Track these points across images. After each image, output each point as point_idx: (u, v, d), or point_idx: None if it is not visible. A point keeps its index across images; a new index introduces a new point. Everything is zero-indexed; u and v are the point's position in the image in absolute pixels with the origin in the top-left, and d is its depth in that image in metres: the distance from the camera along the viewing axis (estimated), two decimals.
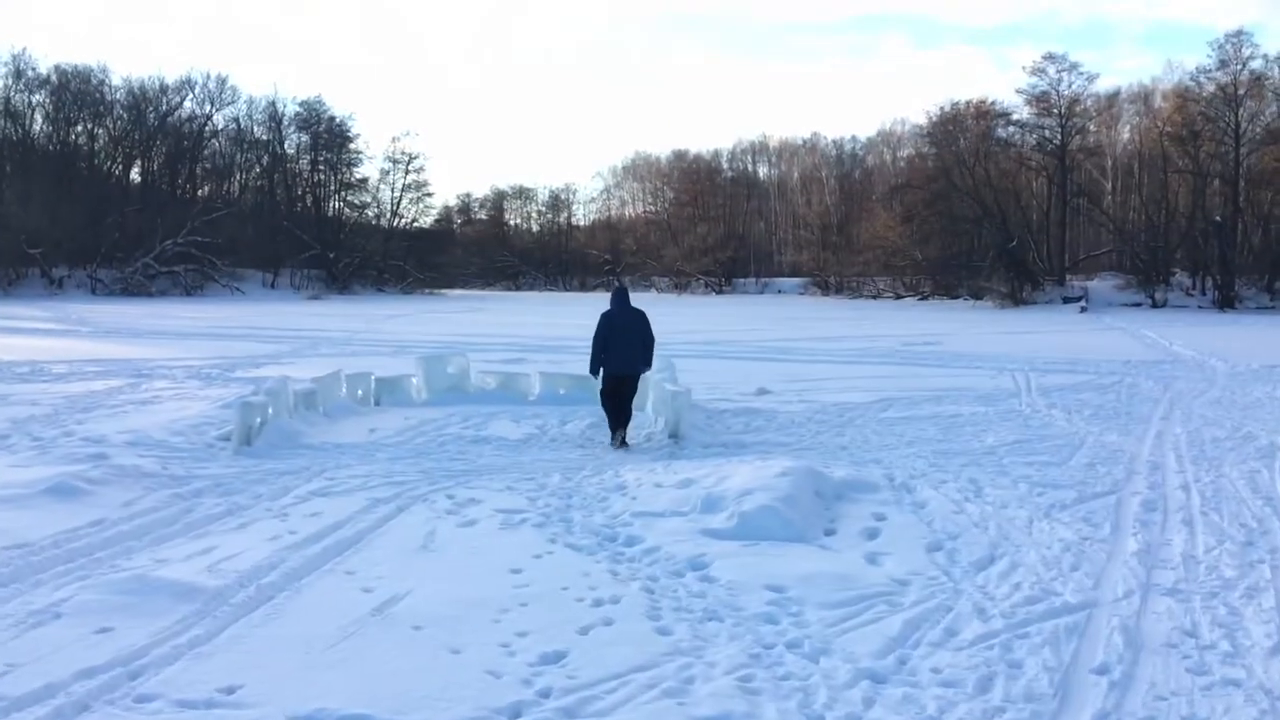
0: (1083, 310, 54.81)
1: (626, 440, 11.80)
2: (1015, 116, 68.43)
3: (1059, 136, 65.94)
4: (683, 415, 11.28)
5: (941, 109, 72.13)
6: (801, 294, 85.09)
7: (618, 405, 11.77)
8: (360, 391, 13.89)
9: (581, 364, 12.18)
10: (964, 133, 69.39)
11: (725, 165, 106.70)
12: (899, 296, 73.68)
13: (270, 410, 10.88)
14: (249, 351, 23.80)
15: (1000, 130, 70.05)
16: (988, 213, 64.56)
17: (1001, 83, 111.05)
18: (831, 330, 35.09)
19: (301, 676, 4.46)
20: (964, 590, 5.91)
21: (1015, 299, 60.80)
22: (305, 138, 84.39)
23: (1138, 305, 57.43)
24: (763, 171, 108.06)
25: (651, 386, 12.95)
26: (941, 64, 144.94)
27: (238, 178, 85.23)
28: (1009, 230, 63.54)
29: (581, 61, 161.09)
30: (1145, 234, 64.03)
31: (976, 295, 64.67)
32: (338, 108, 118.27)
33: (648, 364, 11.86)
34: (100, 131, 76.53)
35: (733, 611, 5.47)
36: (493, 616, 5.27)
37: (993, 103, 70.24)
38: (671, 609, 5.49)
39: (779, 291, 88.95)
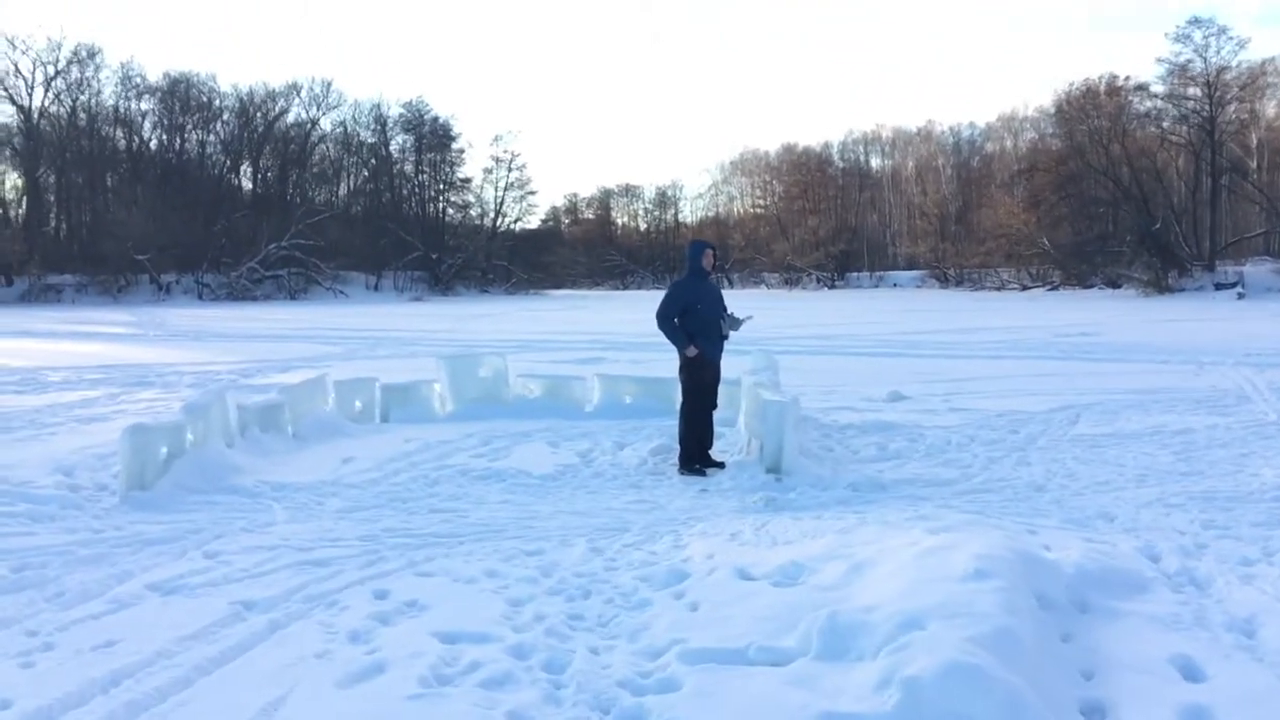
0: (1240, 297, 49.19)
1: (715, 460, 8.28)
2: (1155, 89, 62.42)
3: (1206, 108, 59.73)
4: (787, 439, 7.54)
5: (1070, 85, 66.82)
6: (919, 287, 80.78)
7: (707, 413, 8.30)
8: (359, 404, 10.52)
9: (666, 363, 8.54)
10: (1097, 110, 63.85)
11: (836, 157, 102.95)
12: (1025, 287, 68.61)
13: (189, 436, 7.55)
14: (296, 353, 20.86)
15: (1138, 104, 64.25)
16: (1126, 194, 58.97)
17: (1125, 65, 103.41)
18: (962, 321, 30.77)
19: None
20: None
21: (1160, 286, 54.90)
22: (409, 139, 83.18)
23: None
24: (875, 162, 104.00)
25: (744, 394, 9.25)
26: (1058, 45, 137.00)
27: (346, 181, 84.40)
28: (1151, 212, 57.71)
29: (686, 57, 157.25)
30: None
31: (1114, 283, 59.17)
32: (440, 108, 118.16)
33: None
34: (210, 138, 76.22)
35: None
36: None
37: (1127, 78, 64.62)
38: None
39: (895, 285, 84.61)
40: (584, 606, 4.67)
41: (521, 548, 5.71)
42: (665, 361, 8.36)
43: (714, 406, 8.41)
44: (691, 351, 8.17)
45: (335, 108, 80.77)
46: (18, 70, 69.03)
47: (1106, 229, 63.62)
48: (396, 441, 9.23)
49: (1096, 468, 7.82)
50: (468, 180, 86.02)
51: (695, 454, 8.16)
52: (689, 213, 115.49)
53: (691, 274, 8.37)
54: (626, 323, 32.28)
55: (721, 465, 8.21)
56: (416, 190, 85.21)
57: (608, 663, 3.95)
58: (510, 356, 19.01)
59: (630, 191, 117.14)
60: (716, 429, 8.64)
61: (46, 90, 69.30)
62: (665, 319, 8.27)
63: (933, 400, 11.93)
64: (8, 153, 70.33)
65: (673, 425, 8.83)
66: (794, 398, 8.11)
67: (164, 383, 15.14)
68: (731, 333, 8.39)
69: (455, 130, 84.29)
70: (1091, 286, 62.18)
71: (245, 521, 6.35)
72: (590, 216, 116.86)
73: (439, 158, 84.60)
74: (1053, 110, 71.53)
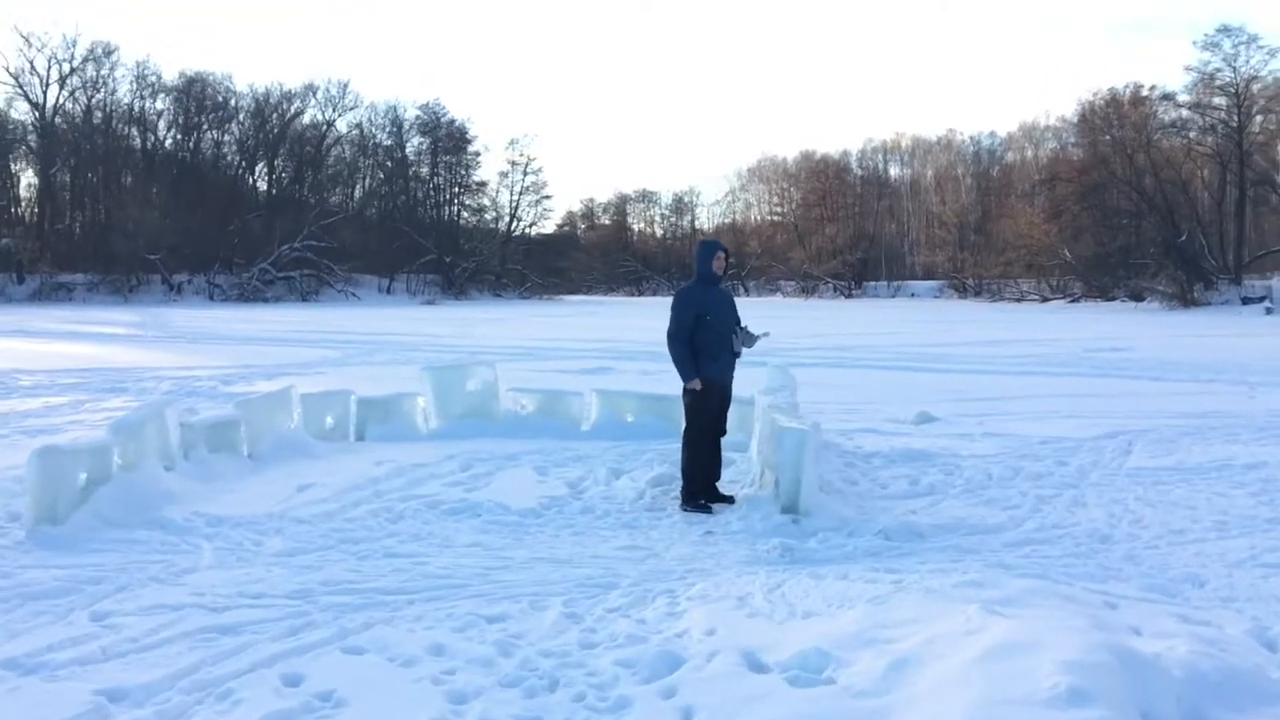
0: (1269, 312, 48.04)
1: (723, 494, 7.24)
2: (1181, 99, 61.13)
3: (1234, 119, 58.43)
4: (806, 473, 6.48)
5: (1094, 94, 65.80)
6: (937, 297, 79.97)
7: (715, 441, 7.27)
8: (330, 420, 9.51)
9: (675, 377, 7.48)
10: (1120, 120, 62.71)
11: (855, 165, 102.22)
12: (1045, 299, 67.60)
13: (116, 459, 6.56)
14: (290, 358, 19.92)
15: (1163, 114, 63.08)
16: (1151, 205, 57.84)
17: (1149, 74, 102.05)
18: (985, 334, 29.65)
19: None
20: None
21: (1185, 299, 53.67)
22: (425, 142, 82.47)
23: None
24: (894, 171, 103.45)
25: (758, 417, 8.20)
26: (1080, 54, 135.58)
27: (361, 183, 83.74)
28: (1176, 224, 56.50)
29: (704, 62, 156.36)
30: None
31: (1137, 296, 58.06)
32: (456, 111, 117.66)
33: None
34: (226, 138, 75.64)
35: None
36: None
37: (1152, 87, 63.51)
38: None
39: (912, 295, 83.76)
40: (546, 705, 3.63)
41: (482, 611, 4.67)
42: (674, 374, 7.37)
43: (723, 433, 7.36)
44: (696, 385, 7.14)
45: (352, 109, 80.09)
46: (33, 68, 68.61)
47: (1130, 241, 62.49)
48: (366, 464, 8.21)
49: (1165, 511, 6.74)
50: (483, 184, 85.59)
51: (700, 488, 7.11)
52: (706, 219, 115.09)
53: (699, 279, 7.29)
54: (638, 330, 31.29)
55: (730, 500, 7.17)
56: (432, 193, 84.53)
57: None
58: (513, 365, 18.12)
59: (647, 197, 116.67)
60: (726, 455, 7.62)
61: (61, 88, 68.87)
62: (677, 339, 7.15)
63: (965, 422, 10.86)
64: (23, 150, 69.92)
65: (677, 449, 7.76)
66: (815, 424, 7.07)
67: (139, 389, 14.20)
68: (744, 349, 7.35)
69: (471, 133, 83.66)
70: (1114, 299, 61.10)
71: (161, 567, 5.34)
72: (606, 222, 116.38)
73: (454, 160, 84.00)
74: (1075, 119, 70.78)
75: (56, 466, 6.01)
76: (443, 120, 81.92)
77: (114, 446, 6.56)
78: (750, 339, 7.29)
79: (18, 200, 70.83)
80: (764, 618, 4.41)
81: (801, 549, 5.79)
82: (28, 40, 74.95)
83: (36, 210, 69.65)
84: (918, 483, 7.62)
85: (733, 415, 7.67)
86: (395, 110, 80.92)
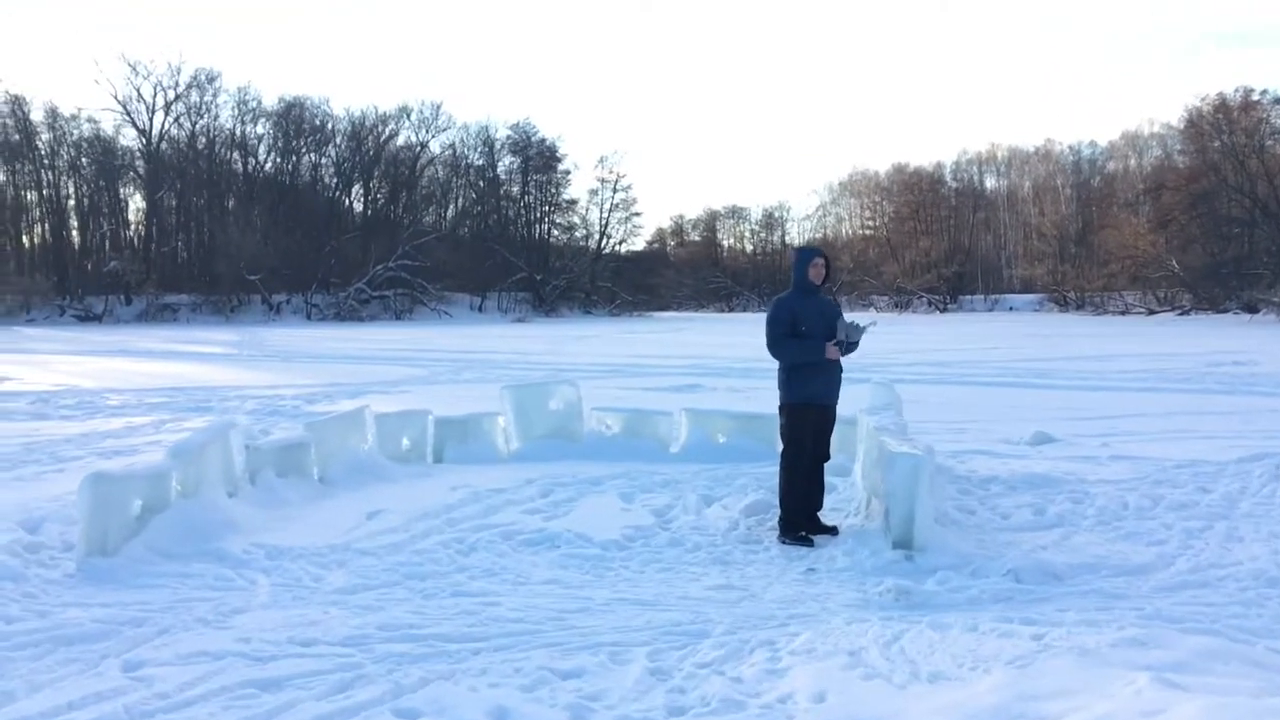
0: None
1: (825, 525, 6.58)
2: None
3: None
4: (920, 504, 5.79)
5: (1202, 100, 63.25)
6: (1037, 310, 77.96)
7: (816, 466, 6.61)
8: (407, 441, 9.05)
9: (769, 393, 6.85)
10: (1230, 125, 60.24)
11: (949, 177, 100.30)
12: (1152, 311, 65.05)
13: (175, 486, 6.17)
14: (378, 376, 19.74)
15: (1276, 119, 60.58)
16: (1265, 212, 55.38)
17: (1253, 80, 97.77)
18: (1094, 348, 28.30)
19: None
20: None
21: None
22: (516, 161, 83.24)
23: None
24: (990, 182, 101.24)
25: (861, 439, 7.50)
26: (1183, 62, 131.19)
27: (454, 203, 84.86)
28: None
29: (793, 76, 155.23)
30: None
31: (1251, 308, 55.51)
32: (547, 130, 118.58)
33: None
34: (323, 161, 77.23)
35: None
36: None
37: (1264, 91, 60.96)
38: None
39: (1011, 309, 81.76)
40: None
41: (556, 664, 4.10)
42: (768, 391, 6.71)
43: (826, 458, 6.69)
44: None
45: (444, 130, 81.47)
46: (140, 95, 70.97)
47: (1242, 250, 60.17)
48: (440, 489, 7.72)
49: None
50: (573, 202, 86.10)
51: (800, 519, 6.46)
52: (796, 234, 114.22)
53: (796, 288, 6.64)
54: (729, 346, 30.64)
55: (833, 531, 6.50)
56: (523, 212, 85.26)
57: None
58: (601, 382, 17.65)
59: (737, 213, 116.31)
60: (826, 480, 6.92)
61: (167, 114, 71.03)
62: (778, 345, 6.55)
63: (1087, 443, 9.99)
64: (131, 175, 72.25)
65: (773, 473, 7.11)
66: (928, 448, 6.35)
67: (224, 408, 14.03)
68: (852, 343, 6.56)
69: (561, 152, 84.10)
70: (1226, 311, 58.67)
71: (209, 606, 4.89)
72: (696, 238, 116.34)
73: (545, 179, 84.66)
74: (1180, 127, 68.44)
75: (108, 494, 5.61)
76: (533, 139, 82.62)
77: (172, 472, 6.16)
78: (857, 331, 6.55)
79: (126, 224, 73.25)
80: (882, 679, 3.76)
81: (919, 591, 5.09)
82: (134, 69, 77.56)
83: (143, 233, 71.82)
84: (1044, 513, 6.84)
85: (835, 437, 6.99)
86: (487, 130, 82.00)
